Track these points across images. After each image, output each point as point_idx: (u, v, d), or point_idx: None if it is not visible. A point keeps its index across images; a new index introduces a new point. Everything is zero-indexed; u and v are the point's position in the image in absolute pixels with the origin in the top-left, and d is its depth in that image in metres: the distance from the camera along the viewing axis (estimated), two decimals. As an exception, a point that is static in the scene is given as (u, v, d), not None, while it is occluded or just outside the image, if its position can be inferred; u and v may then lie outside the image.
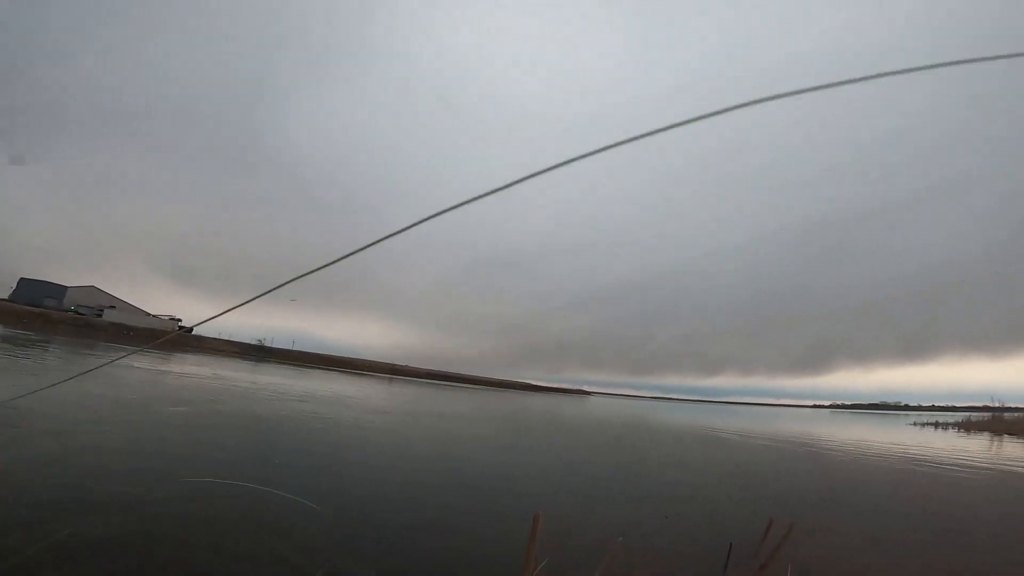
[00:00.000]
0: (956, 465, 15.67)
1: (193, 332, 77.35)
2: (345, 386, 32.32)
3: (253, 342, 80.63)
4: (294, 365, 62.18)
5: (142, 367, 20.85)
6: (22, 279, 74.64)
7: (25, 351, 21.48)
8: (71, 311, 68.73)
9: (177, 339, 68.29)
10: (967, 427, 42.42)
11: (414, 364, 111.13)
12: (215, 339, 75.70)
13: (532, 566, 2.25)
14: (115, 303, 76.48)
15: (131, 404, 11.12)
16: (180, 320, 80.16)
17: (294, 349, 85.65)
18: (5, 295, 71.84)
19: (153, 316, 77.87)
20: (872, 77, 1.51)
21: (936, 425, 46.00)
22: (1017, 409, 57.59)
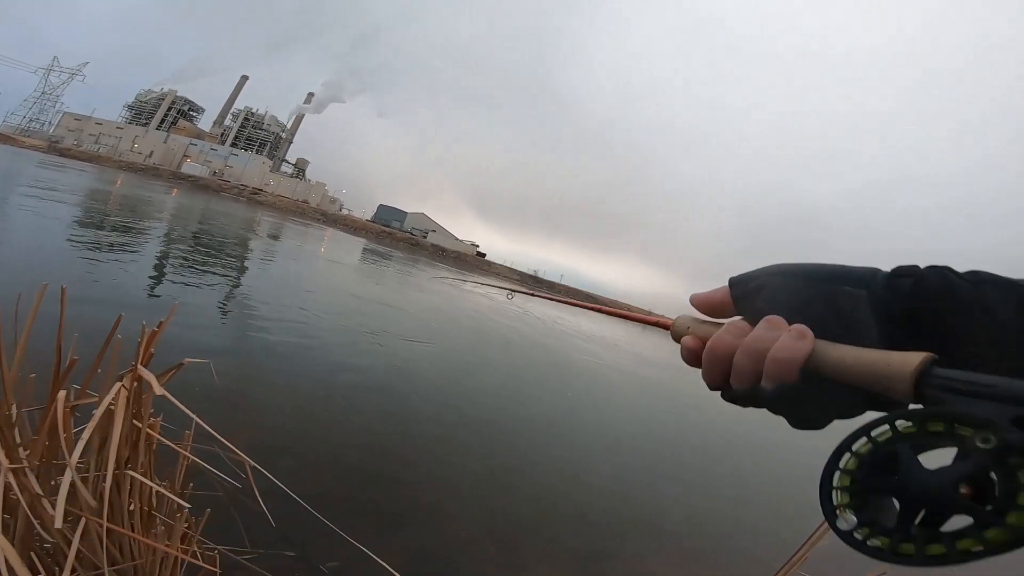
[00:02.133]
0: None
1: (485, 257, 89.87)
2: (588, 324, 30.05)
3: (529, 272, 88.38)
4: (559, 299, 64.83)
5: (449, 280, 27.06)
6: (380, 205, 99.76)
7: (387, 261, 26.21)
8: (408, 232, 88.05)
9: (474, 261, 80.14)
10: None
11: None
12: (501, 265, 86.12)
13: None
14: (436, 228, 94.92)
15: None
16: (478, 246, 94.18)
17: (561, 283, 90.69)
18: (369, 216, 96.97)
19: (460, 240, 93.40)
20: None
21: None
22: None
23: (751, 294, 0.38)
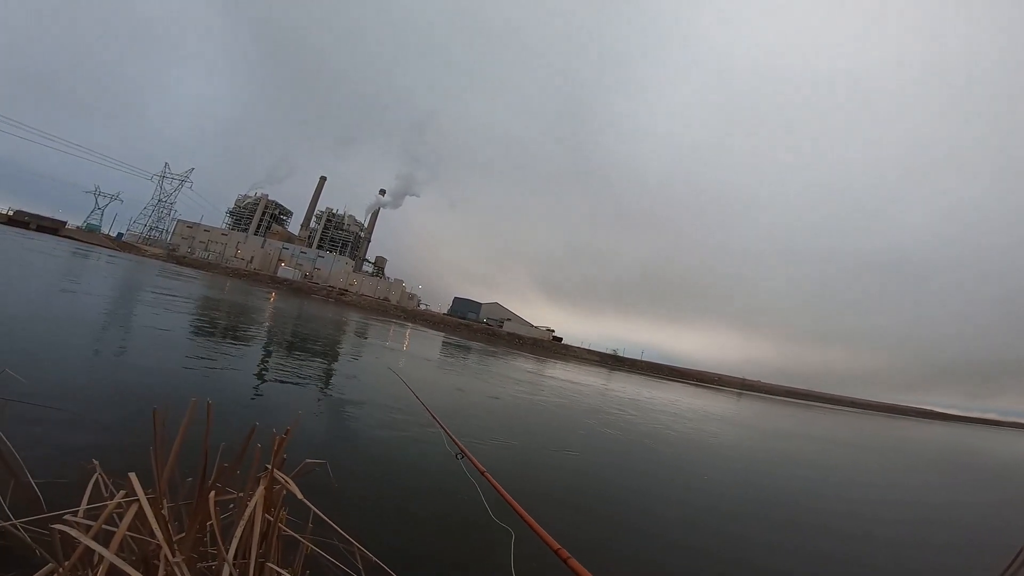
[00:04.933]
0: None
1: (562, 341, 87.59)
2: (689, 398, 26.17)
3: (608, 352, 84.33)
4: (642, 374, 60.67)
5: (530, 368, 25.90)
6: (456, 297, 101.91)
7: (467, 354, 25.57)
8: (483, 322, 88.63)
9: (551, 346, 78.06)
10: None
11: (769, 380, 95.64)
12: (579, 347, 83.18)
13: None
14: (511, 316, 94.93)
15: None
16: (553, 331, 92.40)
17: (642, 359, 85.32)
18: (445, 309, 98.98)
19: (535, 327, 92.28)
20: None
21: None
22: None
23: None
